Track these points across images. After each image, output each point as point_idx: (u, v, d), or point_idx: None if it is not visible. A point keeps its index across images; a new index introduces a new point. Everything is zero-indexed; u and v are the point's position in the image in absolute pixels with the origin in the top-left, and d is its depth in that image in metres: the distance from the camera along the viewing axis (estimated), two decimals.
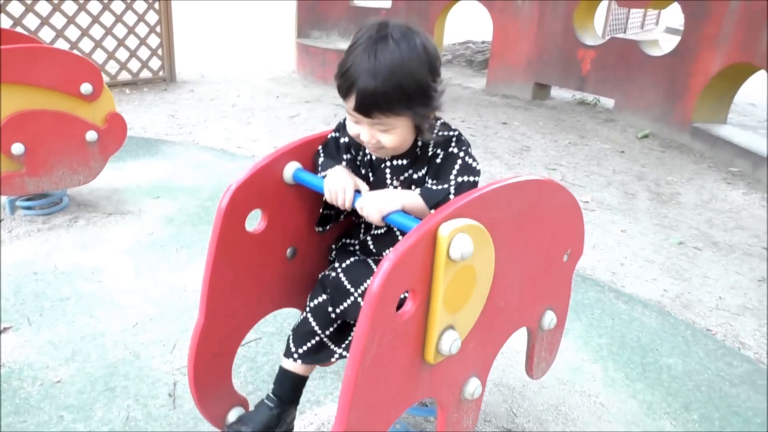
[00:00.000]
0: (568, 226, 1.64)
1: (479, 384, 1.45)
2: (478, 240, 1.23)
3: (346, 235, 1.72)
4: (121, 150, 3.44)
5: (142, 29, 6.23)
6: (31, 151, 2.97)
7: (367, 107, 1.35)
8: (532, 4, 6.61)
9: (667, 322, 2.70)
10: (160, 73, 6.56)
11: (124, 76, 6.23)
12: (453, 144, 1.46)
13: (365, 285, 1.54)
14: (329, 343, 1.64)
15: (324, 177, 1.50)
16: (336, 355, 1.66)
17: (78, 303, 2.53)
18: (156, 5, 6.24)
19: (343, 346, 1.65)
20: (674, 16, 16.97)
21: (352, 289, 1.56)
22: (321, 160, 1.58)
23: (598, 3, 6.52)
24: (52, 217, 3.26)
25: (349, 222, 1.74)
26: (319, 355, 1.65)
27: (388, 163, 1.52)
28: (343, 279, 1.58)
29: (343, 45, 7.21)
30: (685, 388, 2.26)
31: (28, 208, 3.27)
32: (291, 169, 1.53)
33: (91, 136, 3.14)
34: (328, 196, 1.46)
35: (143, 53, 6.33)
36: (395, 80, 1.32)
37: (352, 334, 1.67)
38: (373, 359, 1.15)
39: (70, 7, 5.72)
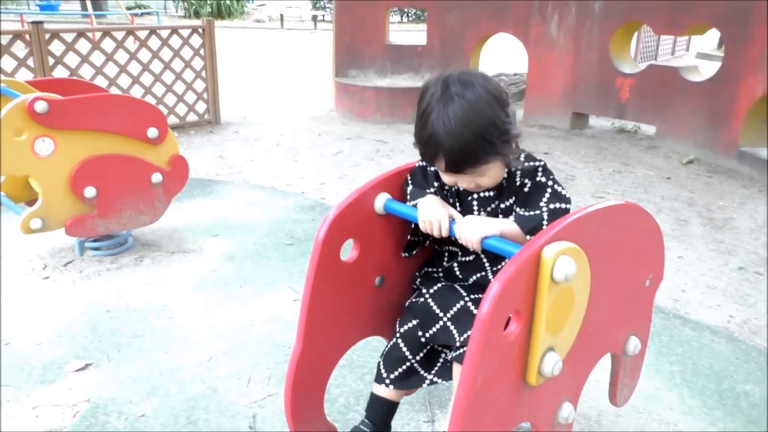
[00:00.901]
0: (651, 250, 1.67)
1: (572, 409, 1.47)
2: (579, 262, 1.27)
3: (429, 264, 1.77)
4: None
5: (188, 74, 6.47)
6: (102, 194, 3.10)
7: (457, 166, 1.42)
8: (567, 35, 6.69)
9: (738, 348, 2.66)
10: (206, 116, 6.77)
11: (172, 120, 6.45)
12: (540, 173, 1.51)
13: (454, 309, 1.59)
14: (419, 369, 1.68)
15: (415, 206, 1.56)
16: (426, 381, 1.70)
17: (152, 339, 2.60)
18: (201, 51, 6.48)
19: (433, 372, 1.69)
20: (704, 41, 16.92)
21: (441, 314, 1.60)
22: (410, 189, 1.65)
23: (634, 32, 6.57)
24: (119, 257, 3.37)
25: (432, 251, 1.79)
26: (409, 380, 1.69)
27: (475, 195, 1.57)
28: (432, 304, 1.63)
29: (381, 82, 7.37)
30: (765, 415, 2.22)
31: (97, 248, 3.39)
32: (382, 200, 1.60)
33: (156, 178, 3.26)
34: (423, 226, 1.51)
35: (190, 97, 6.56)
36: (473, 133, 1.38)
37: (441, 359, 1.70)
38: (483, 379, 1.18)
39: (122, 57, 5.98)
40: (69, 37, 5.70)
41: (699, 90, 5.77)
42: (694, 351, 2.61)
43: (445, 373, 1.70)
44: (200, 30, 6.44)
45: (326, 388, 1.69)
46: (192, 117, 6.66)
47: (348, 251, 1.62)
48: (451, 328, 1.59)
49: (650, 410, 2.22)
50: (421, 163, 1.68)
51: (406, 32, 18.26)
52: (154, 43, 6.20)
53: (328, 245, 1.53)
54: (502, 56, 12.89)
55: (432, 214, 1.49)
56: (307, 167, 5.31)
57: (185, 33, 6.36)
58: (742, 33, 5.31)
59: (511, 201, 1.55)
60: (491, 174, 1.48)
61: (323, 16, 25.24)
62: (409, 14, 27.63)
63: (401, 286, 1.80)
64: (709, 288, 3.27)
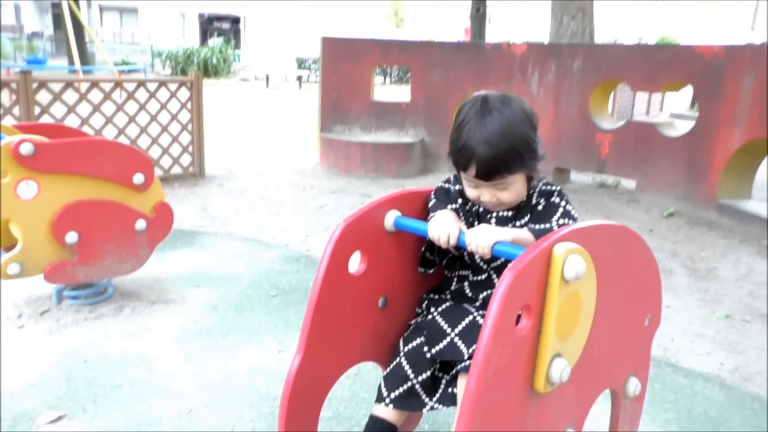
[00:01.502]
0: (651, 288, 1.68)
1: None
2: (587, 265, 1.31)
3: (437, 290, 1.77)
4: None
5: (174, 127, 6.49)
6: (84, 239, 3.04)
7: (488, 173, 1.52)
8: (547, 93, 6.87)
9: (732, 395, 2.62)
10: (191, 169, 6.76)
11: (156, 172, 6.40)
12: (555, 195, 1.62)
13: (462, 325, 1.60)
14: (421, 392, 1.65)
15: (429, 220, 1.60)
16: (427, 406, 1.66)
17: (131, 390, 2.50)
18: (189, 105, 6.54)
19: (435, 398, 1.66)
20: (678, 102, 17.51)
21: (449, 330, 1.60)
22: (432, 203, 1.70)
23: (612, 89, 6.77)
24: (98, 306, 3.28)
25: (440, 277, 1.81)
26: (410, 402, 1.65)
27: (494, 214, 1.64)
28: (440, 320, 1.64)
29: (366, 138, 7.46)
30: None
31: (75, 297, 3.30)
32: (392, 217, 1.63)
33: (140, 225, 3.21)
34: (433, 236, 1.53)
35: (175, 150, 6.56)
36: (507, 143, 1.49)
37: (443, 384, 1.67)
38: (494, 371, 1.19)
39: (109, 108, 6.01)
40: (56, 87, 5.72)
41: (676, 144, 5.92)
42: (687, 398, 2.57)
43: (447, 400, 1.66)
44: (188, 84, 6.52)
45: (322, 405, 1.63)
46: (176, 169, 6.65)
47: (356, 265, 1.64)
48: (459, 343, 1.58)
49: None
50: (444, 185, 1.74)
51: (389, 92, 18.68)
52: (141, 95, 6.25)
53: (337, 253, 1.54)
54: None
55: (442, 226, 1.53)
56: (291, 220, 5.29)
57: (173, 86, 6.43)
58: (715, 89, 5.49)
59: (526, 219, 1.63)
60: (514, 189, 1.56)
61: (308, 76, 25.80)
62: (392, 76, 28.35)
63: (404, 312, 1.80)
64: (698, 336, 3.25)
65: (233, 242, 4.54)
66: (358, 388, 2.54)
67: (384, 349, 1.77)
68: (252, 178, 6.93)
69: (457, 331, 1.58)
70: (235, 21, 40.54)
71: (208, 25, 40.12)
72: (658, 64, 6.02)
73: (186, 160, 6.75)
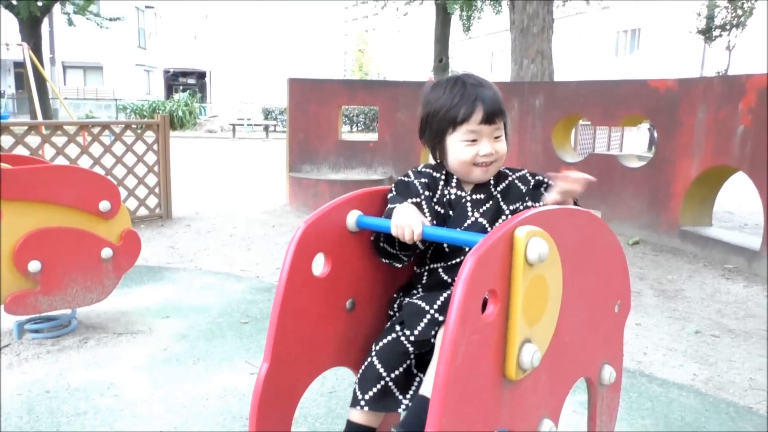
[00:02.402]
0: (618, 275, 1.68)
1: (553, 425, 1.42)
2: (550, 248, 1.30)
3: (407, 288, 1.75)
4: (126, 277, 3.44)
5: (140, 169, 6.44)
6: (47, 269, 2.95)
7: (492, 114, 1.62)
8: (512, 129, 7.03)
9: (707, 401, 2.64)
10: (157, 211, 6.67)
11: None
12: (531, 174, 1.73)
13: (440, 300, 1.57)
14: (395, 390, 1.61)
15: (390, 215, 1.58)
16: (402, 405, 1.61)
17: (96, 417, 2.39)
18: (155, 147, 6.51)
19: (409, 396, 1.61)
20: (637, 142, 18.12)
21: (428, 307, 1.57)
22: (391, 195, 1.68)
23: (573, 125, 6.98)
24: (61, 339, 3.16)
25: (409, 275, 1.79)
26: (385, 402, 1.60)
27: (469, 198, 1.68)
28: (417, 301, 1.61)
29: (334, 176, 7.50)
30: None
31: (36, 331, 3.18)
32: (354, 216, 1.60)
33: (106, 253, 3.14)
34: (395, 231, 1.51)
35: (141, 192, 6.49)
36: (496, 89, 1.68)
37: (416, 382, 1.63)
38: (462, 357, 1.16)
39: (73, 150, 5.94)
40: (19, 131, 5.65)
41: (638, 175, 6.09)
42: (663, 405, 2.57)
43: None
44: (155, 126, 6.50)
45: (294, 412, 1.57)
46: (143, 211, 6.56)
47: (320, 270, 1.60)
48: (440, 318, 1.53)
49: None
50: (405, 178, 1.72)
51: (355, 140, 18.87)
52: (106, 138, 6.20)
53: (299, 256, 1.50)
54: None
55: (405, 220, 1.50)
56: (261, 254, 5.23)
57: (140, 128, 6.40)
58: (671, 121, 5.71)
59: (499, 199, 1.69)
60: (503, 139, 1.68)
61: (275, 126, 25.99)
62: (359, 124, 28.77)
63: (374, 314, 1.75)
64: (669, 350, 3.27)
65: (202, 276, 4.46)
66: (334, 405, 2.48)
67: (355, 353, 1.72)
68: (220, 219, 6.86)
69: (435, 307, 1.55)
70: (201, 76, 40.88)
71: (174, 81, 40.35)
72: (616, 99, 6.26)
73: (152, 201, 6.67)
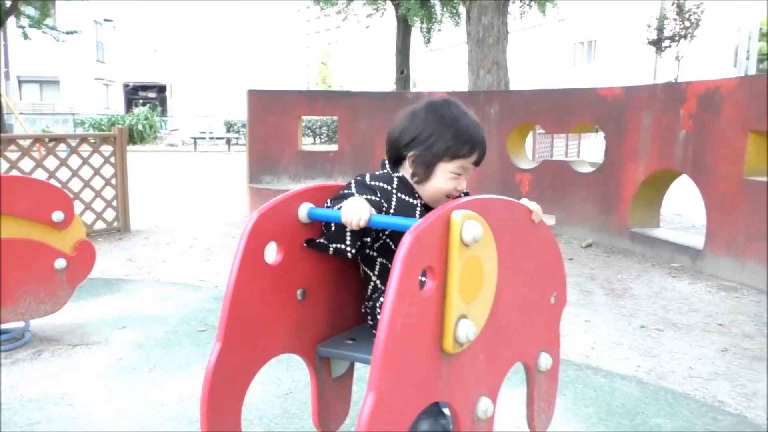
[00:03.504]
0: (554, 268, 1.80)
1: (490, 403, 1.50)
2: (485, 231, 1.41)
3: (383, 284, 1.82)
4: (81, 290, 3.43)
5: (97, 182, 6.38)
6: None
7: (482, 159, 1.82)
8: None
9: (647, 389, 2.77)
10: (115, 224, 6.61)
11: None
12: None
13: None
14: None
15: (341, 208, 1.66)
16: None
17: (49, 426, 2.39)
18: (112, 159, 6.46)
19: None
20: (593, 150, 18.58)
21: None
22: (347, 191, 1.76)
23: (527, 133, 7.17)
24: (14, 353, 3.13)
25: (357, 275, 1.89)
26: None
27: (419, 205, 1.80)
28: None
29: (294, 186, 7.52)
30: None
31: None
32: (305, 208, 1.69)
33: (60, 263, 3.13)
34: (344, 217, 1.59)
35: (98, 205, 6.42)
36: None
37: None
38: (401, 328, 1.24)
39: (27, 164, 5.86)
40: None
41: (589, 180, 6.29)
42: (606, 394, 2.69)
43: None
44: (111, 138, 6.46)
45: (244, 395, 1.62)
46: (100, 225, 6.49)
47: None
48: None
49: None
50: (361, 179, 1.80)
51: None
52: (63, 153, 6.13)
53: (252, 243, 1.58)
54: None
55: (354, 208, 1.59)
56: (221, 264, 5.23)
57: (96, 141, 6.35)
58: (619, 127, 5.93)
59: None
60: None
61: (237, 139, 25.84)
62: (322, 136, 28.80)
63: (324, 305, 1.83)
64: (615, 344, 3.41)
65: (160, 287, 4.45)
66: (290, 406, 2.52)
67: (306, 342, 1.79)
68: (180, 231, 6.83)
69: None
70: (162, 89, 40.41)
71: (134, 95, 39.79)
72: (567, 107, 6.46)
73: (110, 215, 6.60)
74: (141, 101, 35.27)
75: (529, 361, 1.75)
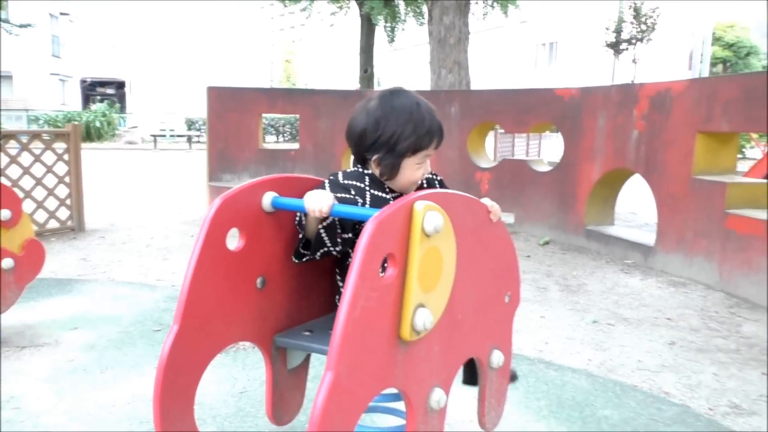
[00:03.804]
0: (509, 268, 1.84)
1: (443, 394, 1.53)
2: (445, 223, 1.43)
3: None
4: (31, 290, 3.36)
5: (50, 180, 6.22)
6: None
7: (441, 142, 1.83)
8: None
9: (597, 382, 2.84)
10: (69, 223, 6.45)
11: None
12: (439, 178, 1.94)
13: None
14: None
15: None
16: None
17: None
18: (66, 156, 6.31)
19: None
20: (554, 150, 18.89)
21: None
22: (322, 188, 1.77)
23: (487, 132, 7.26)
24: None
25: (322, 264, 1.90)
26: None
27: (392, 198, 1.81)
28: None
29: None
30: None
31: None
32: (269, 197, 1.69)
33: (7, 263, 3.05)
34: (308, 206, 1.61)
35: (51, 204, 6.26)
36: None
37: None
38: (361, 311, 1.26)
39: None
40: None
41: (546, 179, 6.41)
42: (557, 387, 2.75)
43: None
44: (65, 135, 6.30)
45: (199, 380, 1.60)
46: (53, 224, 6.33)
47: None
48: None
49: None
50: (332, 177, 1.82)
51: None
52: (12, 149, 5.96)
53: (214, 228, 1.57)
54: None
55: (318, 197, 1.60)
56: (178, 263, 5.16)
57: (49, 138, 6.19)
58: (575, 127, 6.05)
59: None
60: None
61: (198, 137, 25.47)
62: (285, 134, 28.61)
63: (283, 295, 1.83)
64: (568, 339, 3.49)
65: (115, 287, 4.37)
66: (244, 404, 2.51)
67: (263, 331, 1.79)
68: (137, 230, 6.71)
69: None
70: (120, 85, 39.57)
71: (91, 91, 38.85)
72: (526, 107, 6.56)
73: (64, 213, 6.45)
74: (99, 97, 34.43)
75: (482, 357, 1.78)
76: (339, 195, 1.71)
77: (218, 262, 1.61)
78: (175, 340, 1.52)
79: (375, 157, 1.78)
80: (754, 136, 15.04)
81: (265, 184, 1.72)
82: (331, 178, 1.84)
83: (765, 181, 5.03)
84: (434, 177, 1.96)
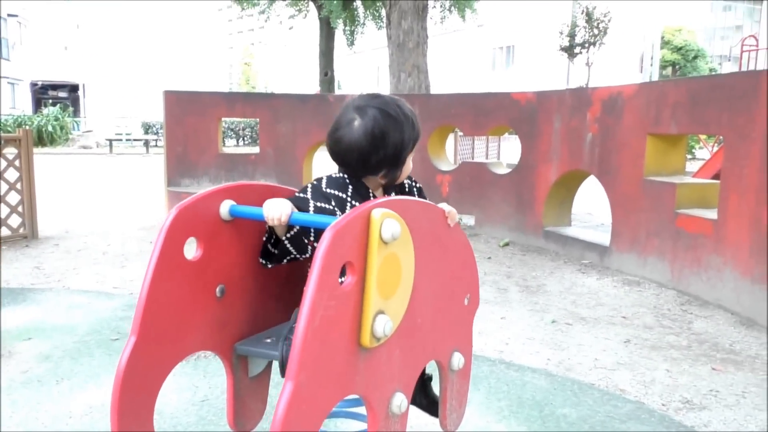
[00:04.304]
0: (468, 270, 1.87)
1: (404, 398, 1.54)
2: (403, 230, 1.45)
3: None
4: None
5: (1, 186, 6.03)
6: None
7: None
8: None
9: (556, 381, 2.91)
10: (21, 231, 6.27)
11: None
12: (417, 184, 1.98)
13: None
14: None
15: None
16: None
17: None
18: (17, 162, 6.13)
19: None
20: (513, 153, 19.17)
21: None
22: (300, 196, 1.75)
23: (446, 135, 7.34)
24: None
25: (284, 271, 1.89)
26: None
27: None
28: None
29: None
30: (582, 430, 2.42)
31: None
32: (227, 205, 1.67)
33: None
34: (267, 216, 1.59)
35: (2, 211, 6.07)
36: None
37: None
38: (320, 320, 1.27)
39: None
40: None
41: (505, 181, 6.52)
42: (518, 387, 2.81)
43: None
44: (16, 141, 6.12)
45: (158, 392, 1.57)
46: (5, 231, 6.13)
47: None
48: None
49: None
50: (315, 183, 1.78)
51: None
52: None
53: (171, 238, 1.55)
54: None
55: (276, 207, 1.59)
56: (136, 270, 5.07)
57: None
58: (532, 130, 6.17)
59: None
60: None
61: (156, 141, 25.01)
62: (245, 138, 28.32)
63: (244, 304, 1.81)
64: (528, 339, 3.56)
65: (70, 295, 4.26)
66: (206, 412, 2.49)
67: (223, 340, 1.78)
68: (93, 237, 6.56)
69: None
70: (74, 89, 38.53)
71: (43, 94, 37.72)
72: (484, 111, 6.67)
73: (16, 221, 6.26)
74: (51, 101, 33.44)
75: (442, 360, 1.81)
76: (319, 204, 1.70)
77: (175, 272, 1.59)
78: (133, 351, 1.50)
79: (382, 173, 1.77)
80: (702, 137, 15.58)
81: (222, 192, 1.71)
82: (315, 183, 1.80)
83: (713, 181, 5.22)
84: (413, 184, 1.98)
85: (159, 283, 1.55)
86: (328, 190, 1.77)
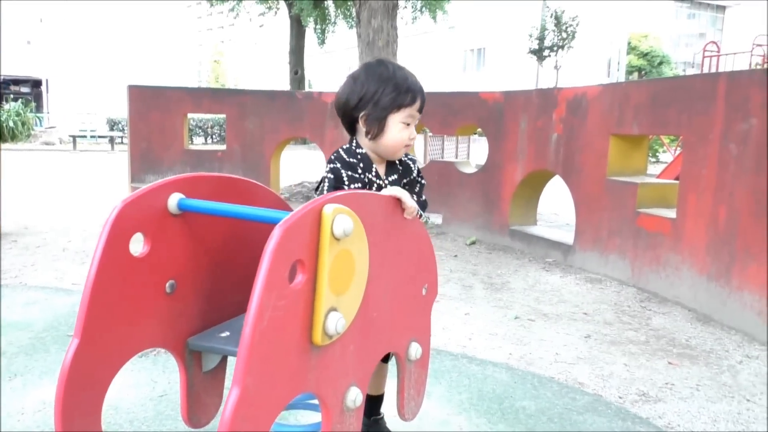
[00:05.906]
0: (425, 261, 1.87)
1: (359, 392, 1.53)
2: (356, 225, 1.43)
3: None
4: None
5: None
6: None
7: (424, 106, 1.89)
8: None
9: (516, 375, 2.94)
10: None
11: None
12: (423, 180, 2.05)
13: None
14: None
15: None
16: None
17: None
18: None
19: None
20: (481, 153, 19.33)
21: None
22: (329, 176, 1.85)
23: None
24: None
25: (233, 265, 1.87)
26: None
27: (389, 180, 1.92)
28: None
29: None
30: (540, 422, 2.46)
31: None
32: (175, 199, 1.63)
33: None
34: (410, 204, 1.68)
35: None
36: None
37: None
38: (268, 321, 1.23)
39: None
40: None
41: (473, 180, 6.57)
42: (479, 381, 2.83)
43: None
44: None
45: (105, 392, 1.54)
46: None
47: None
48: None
49: None
50: (336, 155, 1.89)
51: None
52: None
53: (115, 234, 1.50)
54: (305, 167, 13.50)
55: (412, 201, 1.68)
56: None
57: None
58: (499, 130, 6.23)
59: (404, 179, 1.99)
60: None
61: (121, 138, 24.57)
62: (214, 136, 28.01)
63: (195, 298, 1.78)
64: (491, 335, 3.59)
65: (26, 292, 4.16)
66: (164, 407, 2.45)
67: (175, 336, 1.75)
68: (53, 233, 6.40)
69: None
70: (36, 84, 37.58)
71: (4, 89, 36.69)
72: (452, 110, 6.71)
73: None
74: (12, 96, 32.58)
75: (399, 351, 1.80)
76: (348, 173, 1.83)
77: (121, 269, 1.54)
78: (76, 353, 1.46)
79: (362, 114, 1.87)
80: (666, 140, 15.93)
81: (169, 185, 1.65)
82: (336, 155, 1.92)
83: (673, 181, 5.34)
84: (419, 178, 2.02)
85: (103, 281, 1.50)
86: (351, 159, 1.90)
